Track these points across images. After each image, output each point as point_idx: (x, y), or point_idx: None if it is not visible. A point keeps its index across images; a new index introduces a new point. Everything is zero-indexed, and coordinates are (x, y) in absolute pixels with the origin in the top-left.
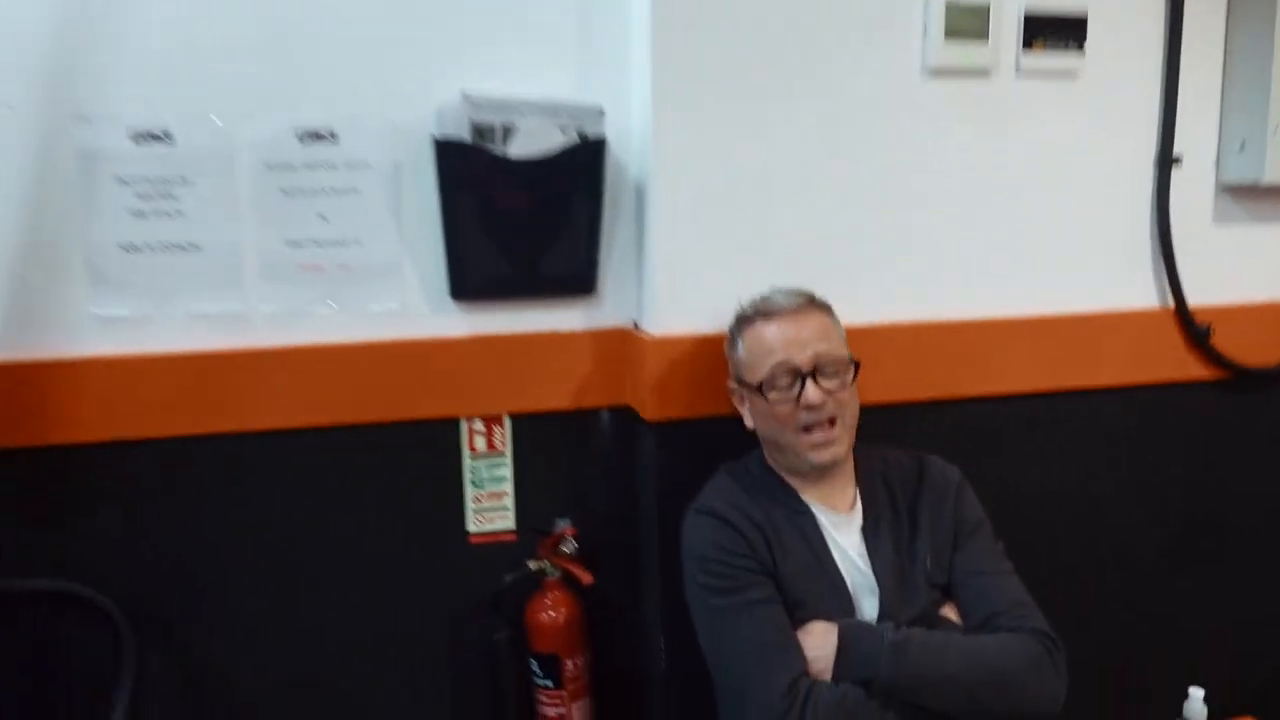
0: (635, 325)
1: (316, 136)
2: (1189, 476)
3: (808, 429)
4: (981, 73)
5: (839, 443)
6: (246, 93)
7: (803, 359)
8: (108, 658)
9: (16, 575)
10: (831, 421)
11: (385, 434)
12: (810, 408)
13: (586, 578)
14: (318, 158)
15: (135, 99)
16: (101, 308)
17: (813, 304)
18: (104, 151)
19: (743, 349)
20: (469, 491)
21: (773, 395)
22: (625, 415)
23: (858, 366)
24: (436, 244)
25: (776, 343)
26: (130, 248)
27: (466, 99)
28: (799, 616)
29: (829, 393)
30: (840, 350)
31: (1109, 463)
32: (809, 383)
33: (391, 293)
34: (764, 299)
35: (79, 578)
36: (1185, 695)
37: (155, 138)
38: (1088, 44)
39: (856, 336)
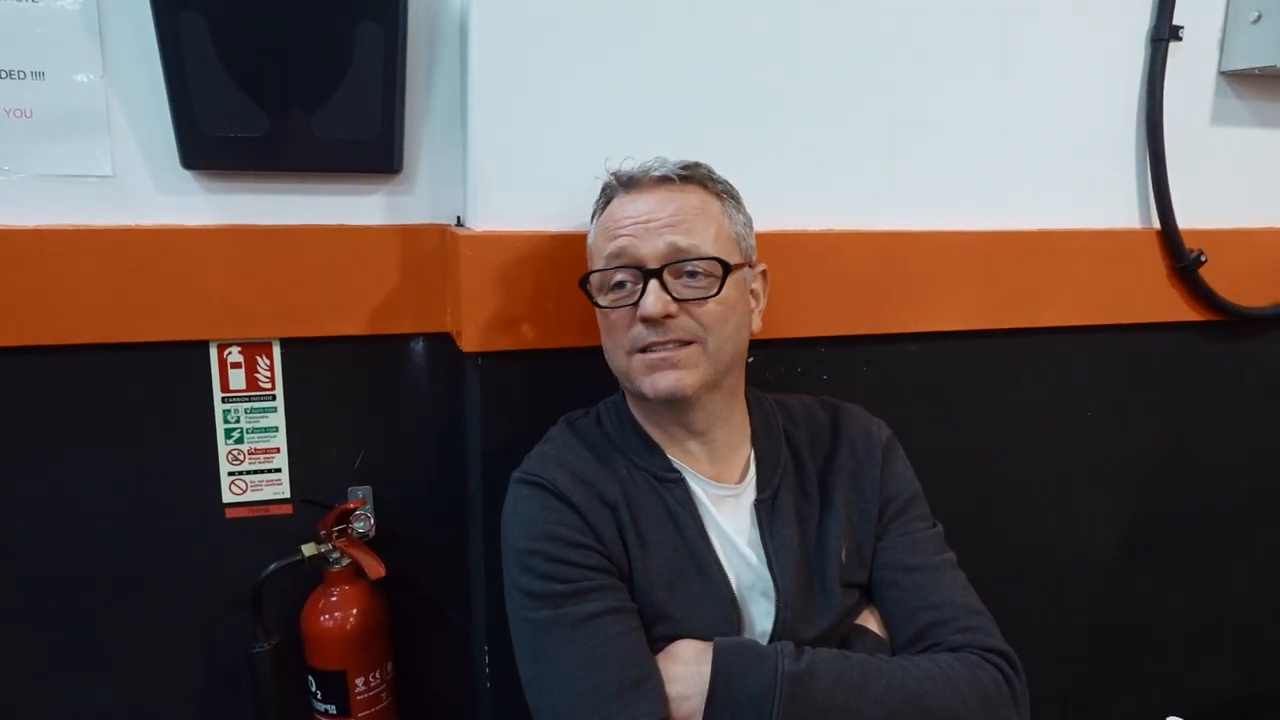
0: (459, 221)
1: None
2: (1166, 444)
3: (644, 347)
4: None
5: (691, 368)
6: None
7: (649, 250)
8: None
9: None
10: (685, 343)
11: (95, 363)
12: (647, 320)
13: (376, 568)
14: None
15: None
16: None
17: (690, 178)
18: None
19: (592, 234)
20: (223, 447)
21: (605, 299)
22: (445, 345)
23: (728, 270)
24: (159, 84)
25: (622, 225)
26: None
27: None
28: (660, 633)
29: (683, 303)
30: (714, 245)
31: (1067, 424)
32: (652, 284)
33: (94, 155)
34: (636, 167)
35: None
36: None
37: None
38: None
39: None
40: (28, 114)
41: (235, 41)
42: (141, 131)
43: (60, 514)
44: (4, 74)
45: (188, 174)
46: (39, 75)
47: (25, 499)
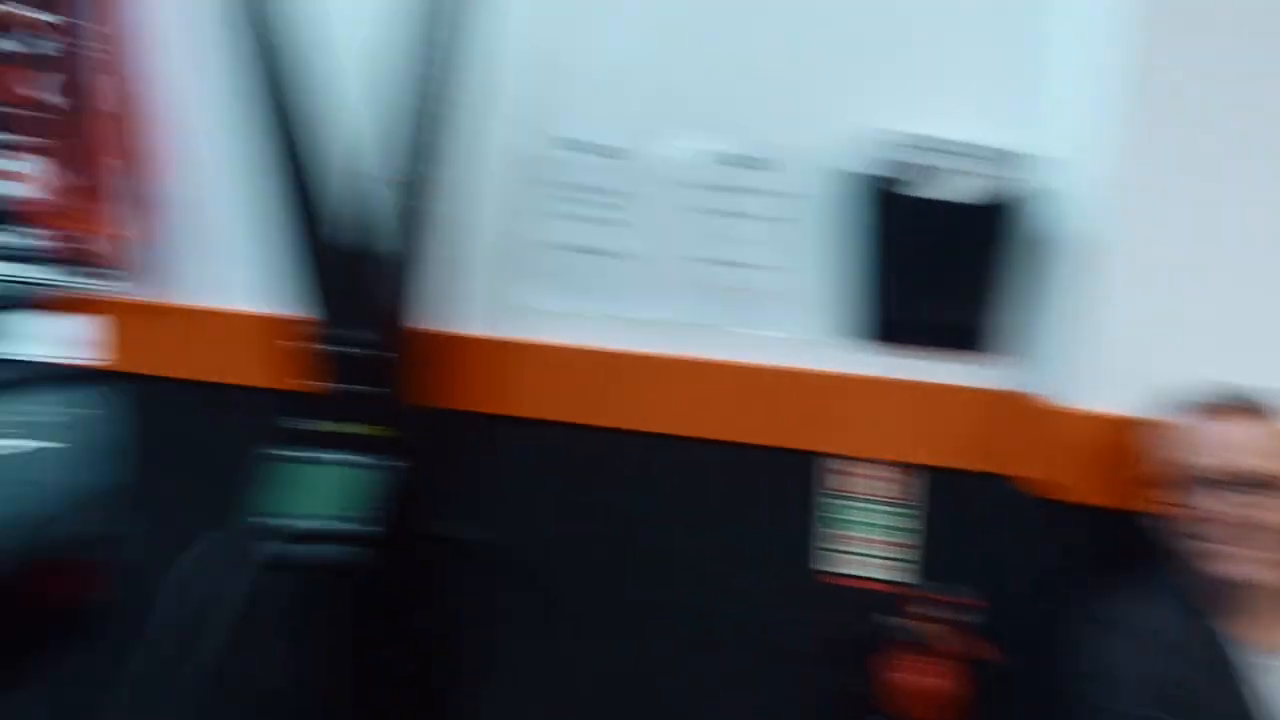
0: (1039, 392)
1: (741, 162)
2: None
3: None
4: None
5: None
6: (676, 114)
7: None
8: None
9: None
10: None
11: (741, 458)
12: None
13: (987, 651)
14: (740, 183)
15: (585, 118)
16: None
17: None
18: (549, 161)
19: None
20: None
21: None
22: (1009, 485)
23: None
24: (836, 278)
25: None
26: (567, 249)
27: (891, 136)
28: None
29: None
30: None
31: None
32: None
33: (786, 320)
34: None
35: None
36: None
37: (599, 153)
38: None
39: None
40: (746, 290)
41: (904, 254)
42: (816, 309)
43: (690, 569)
44: (726, 263)
45: (850, 341)
46: (763, 268)
47: (700, 554)
